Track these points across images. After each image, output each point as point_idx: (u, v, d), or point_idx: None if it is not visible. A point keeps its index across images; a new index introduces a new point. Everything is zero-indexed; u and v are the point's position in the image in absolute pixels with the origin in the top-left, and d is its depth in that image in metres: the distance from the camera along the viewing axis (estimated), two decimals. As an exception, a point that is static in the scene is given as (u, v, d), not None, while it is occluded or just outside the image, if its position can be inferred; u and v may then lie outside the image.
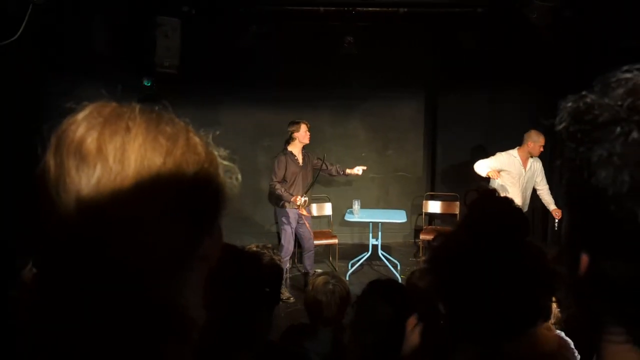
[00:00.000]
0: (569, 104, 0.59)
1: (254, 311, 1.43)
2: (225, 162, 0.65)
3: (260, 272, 1.53)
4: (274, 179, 5.72)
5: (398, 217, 6.61)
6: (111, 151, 0.54)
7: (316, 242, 6.89)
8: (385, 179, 7.80)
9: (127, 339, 0.54)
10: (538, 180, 5.86)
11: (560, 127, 0.58)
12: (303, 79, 7.03)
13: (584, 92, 0.58)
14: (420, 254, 7.07)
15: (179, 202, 0.56)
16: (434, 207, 7.46)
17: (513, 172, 5.81)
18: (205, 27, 6.16)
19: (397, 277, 6.36)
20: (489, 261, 1.05)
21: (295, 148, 5.88)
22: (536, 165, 5.84)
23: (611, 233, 0.54)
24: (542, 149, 5.71)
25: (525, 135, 5.77)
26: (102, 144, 0.54)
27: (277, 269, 1.76)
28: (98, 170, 0.54)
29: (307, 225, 6.00)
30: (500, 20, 6.06)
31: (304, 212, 5.85)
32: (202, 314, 0.62)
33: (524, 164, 5.81)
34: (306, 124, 5.87)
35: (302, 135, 5.83)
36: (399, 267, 6.67)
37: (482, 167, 5.86)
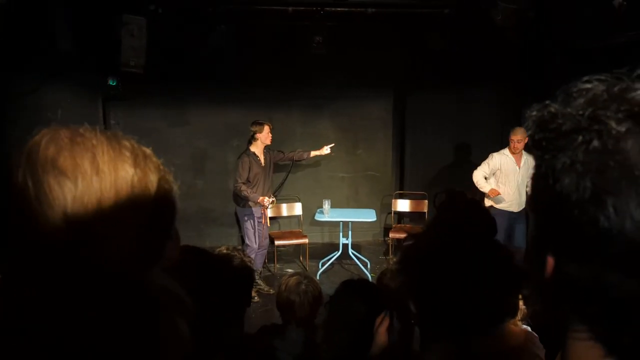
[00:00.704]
0: (534, 113, 0.61)
1: (226, 314, 1.42)
2: (168, 171, 0.71)
3: (231, 274, 1.52)
4: (239, 181, 5.74)
5: (368, 216, 6.66)
6: (87, 166, 0.58)
7: (287, 242, 6.90)
8: (355, 178, 7.84)
9: (119, 319, 0.57)
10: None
11: (527, 134, 0.60)
12: (272, 79, 7.02)
13: (547, 102, 0.60)
14: (390, 253, 7.14)
15: (147, 211, 0.61)
16: (403, 205, 7.55)
17: (506, 170, 5.94)
18: (172, 26, 6.08)
19: (368, 276, 6.41)
20: (457, 260, 1.07)
21: (257, 148, 5.91)
22: (530, 161, 5.87)
23: (574, 237, 0.56)
24: (518, 144, 5.79)
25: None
26: (78, 160, 0.58)
27: (248, 271, 1.76)
28: (80, 184, 0.57)
29: (266, 222, 6.06)
30: (467, 21, 6.16)
31: (267, 213, 5.96)
32: (188, 300, 0.66)
33: (517, 161, 5.91)
34: (269, 125, 5.91)
35: (265, 136, 5.87)
36: (369, 266, 6.72)
37: (478, 178, 6.02)
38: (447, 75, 6.94)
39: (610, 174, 0.53)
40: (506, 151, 5.94)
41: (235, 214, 6.37)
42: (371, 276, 6.37)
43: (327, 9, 6.05)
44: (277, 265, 6.83)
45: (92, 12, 5.46)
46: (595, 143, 0.54)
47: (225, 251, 1.77)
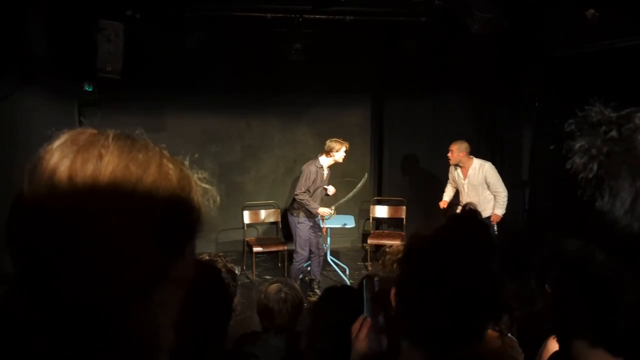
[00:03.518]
0: (582, 113, 0.66)
1: (209, 321, 1.41)
2: (203, 185, 0.66)
3: (215, 281, 1.51)
4: (302, 190, 5.86)
5: (346, 222, 6.68)
6: (81, 179, 0.56)
7: (265, 249, 6.88)
8: (333, 184, 7.85)
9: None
10: (487, 186, 6.01)
11: (570, 128, 0.65)
12: (250, 85, 7.01)
13: (597, 105, 0.65)
14: (368, 259, 7.17)
15: (149, 228, 0.58)
16: (381, 211, 7.59)
17: (454, 180, 6.22)
18: (149, 32, 6.03)
19: (346, 281, 6.43)
20: (449, 275, 1.09)
21: (326, 163, 6.02)
22: (479, 173, 6.00)
23: (571, 213, 0.62)
24: (449, 157, 6.07)
25: None
26: (74, 173, 0.56)
27: (231, 278, 1.75)
28: (69, 198, 0.55)
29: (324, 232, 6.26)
30: (443, 29, 6.25)
31: (324, 224, 6.17)
32: (172, 336, 0.63)
33: (463, 173, 6.07)
34: (347, 146, 6.04)
35: (340, 155, 5.99)
36: (347, 272, 6.73)
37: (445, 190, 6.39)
38: (423, 82, 7.02)
39: (615, 159, 0.58)
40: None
41: (287, 221, 6.41)
42: (350, 282, 6.38)
43: (306, 16, 6.07)
44: (256, 272, 6.79)
45: (67, 17, 5.38)
46: (614, 133, 0.59)
47: (207, 257, 1.76)
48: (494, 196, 5.91)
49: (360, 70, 7.30)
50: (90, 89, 6.11)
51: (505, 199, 5.91)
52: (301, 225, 5.99)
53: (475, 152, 6.21)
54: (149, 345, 0.59)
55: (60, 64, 5.47)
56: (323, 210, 5.92)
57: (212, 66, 6.71)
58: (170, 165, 0.62)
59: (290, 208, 6.22)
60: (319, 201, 6.01)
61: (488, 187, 5.93)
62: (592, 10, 4.51)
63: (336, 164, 6.10)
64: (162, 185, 0.60)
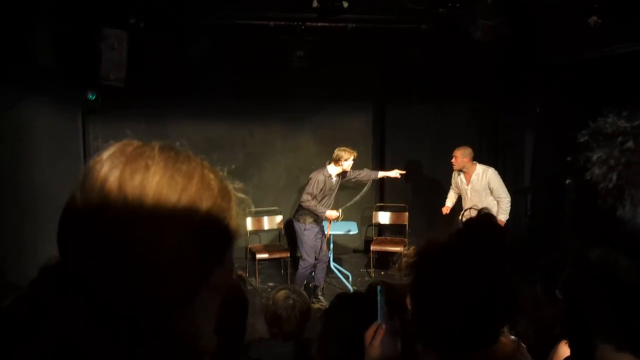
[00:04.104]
0: (594, 124, 0.68)
1: (231, 327, 1.42)
2: (239, 194, 0.70)
3: (235, 288, 1.52)
4: (310, 197, 5.87)
5: (349, 228, 6.68)
6: (130, 189, 0.58)
7: (268, 255, 6.88)
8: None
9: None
10: (490, 192, 6.02)
11: (583, 139, 0.67)
12: (253, 93, 7.03)
13: (610, 115, 0.67)
14: (372, 265, 7.16)
15: (192, 236, 0.60)
16: (384, 218, 7.59)
17: (457, 186, 6.25)
18: (153, 40, 6.06)
19: (349, 288, 6.42)
20: (466, 279, 1.10)
21: (335, 171, 6.03)
22: (483, 178, 6.03)
23: (593, 222, 0.63)
24: (453, 163, 6.09)
25: None
26: (123, 183, 0.58)
27: (243, 282, 1.76)
28: (118, 207, 0.57)
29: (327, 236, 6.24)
30: (445, 36, 6.28)
31: (330, 227, 6.18)
32: (213, 341, 0.65)
33: (467, 179, 6.09)
34: (355, 155, 6.07)
35: (349, 164, 6.01)
36: (350, 279, 6.73)
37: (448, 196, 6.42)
38: (425, 89, 7.04)
39: (634, 169, 0.60)
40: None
41: (293, 228, 6.41)
42: (353, 289, 6.38)
43: (308, 24, 6.10)
44: (259, 279, 6.79)
45: (71, 26, 5.41)
46: (630, 144, 0.61)
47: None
48: (497, 202, 5.91)
49: (362, 77, 7.33)
50: (94, 97, 6.13)
51: (509, 204, 5.91)
52: (307, 232, 6.00)
53: (478, 158, 6.22)
54: (192, 349, 0.61)
55: (64, 72, 5.49)
56: (330, 213, 5.94)
57: (214, 74, 6.73)
58: (212, 176, 0.65)
59: (296, 215, 6.23)
60: (326, 207, 6.02)
61: (491, 192, 5.94)
62: (594, 17, 4.53)
63: (344, 172, 6.10)
64: (205, 195, 0.62)
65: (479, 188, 5.97)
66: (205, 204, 0.62)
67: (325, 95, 7.30)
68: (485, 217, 1.16)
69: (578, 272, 0.68)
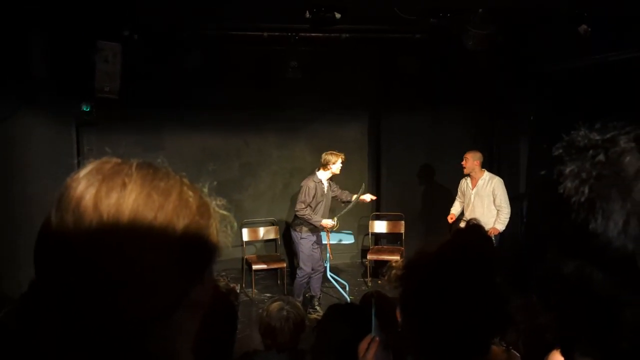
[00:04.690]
0: (568, 137, 0.68)
1: (215, 339, 1.41)
2: (221, 211, 0.68)
3: (219, 299, 1.51)
4: (303, 206, 5.86)
5: (345, 238, 6.68)
6: (106, 207, 0.58)
7: (264, 266, 6.85)
8: (332, 200, 7.86)
9: None
10: (493, 199, 6.03)
11: (557, 152, 0.67)
12: (248, 103, 7.04)
13: (583, 129, 0.67)
14: (368, 274, 7.15)
15: (169, 254, 0.60)
16: (380, 227, 7.58)
17: (464, 192, 6.25)
18: (147, 51, 6.07)
19: (346, 298, 6.40)
20: (455, 290, 1.10)
21: (324, 176, 6.03)
22: (488, 185, 6.05)
23: (567, 235, 0.64)
24: (463, 166, 6.06)
25: None
26: (99, 201, 0.58)
27: (234, 297, 1.75)
28: (93, 225, 0.57)
29: (329, 247, 6.19)
30: (438, 45, 6.31)
31: (329, 237, 6.11)
32: (190, 358, 0.64)
33: (473, 183, 6.10)
34: (342, 158, 6.04)
35: (337, 167, 6.00)
36: (347, 288, 6.70)
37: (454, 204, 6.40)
38: (420, 98, 7.07)
39: (605, 182, 0.60)
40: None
41: (290, 237, 6.39)
42: (350, 298, 6.36)
43: (302, 34, 6.13)
44: (256, 290, 6.76)
45: (66, 38, 5.42)
46: (601, 157, 0.62)
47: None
48: (497, 211, 5.94)
49: (357, 87, 7.35)
50: (88, 109, 6.14)
51: (508, 216, 5.93)
52: (304, 241, 5.98)
53: (473, 166, 6.24)
54: None
55: (58, 84, 5.50)
56: (326, 222, 5.92)
57: (209, 85, 6.74)
58: (190, 193, 0.64)
59: (292, 224, 6.22)
60: (321, 215, 6.00)
61: (494, 200, 5.96)
62: (584, 26, 4.57)
63: (334, 176, 6.09)
64: (183, 212, 0.62)
65: (483, 194, 6.00)
66: (182, 222, 0.61)
67: (320, 105, 7.32)
68: (474, 228, 1.16)
69: (553, 286, 0.68)
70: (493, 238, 5.84)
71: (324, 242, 6.19)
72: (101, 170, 0.61)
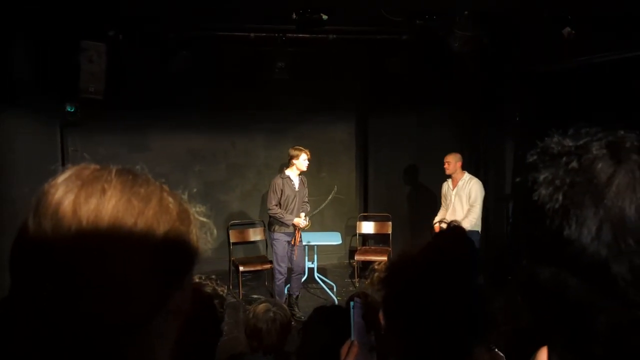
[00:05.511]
0: (542, 144, 0.68)
1: (198, 344, 1.40)
2: (201, 218, 0.68)
3: (206, 305, 1.50)
4: (272, 203, 5.83)
5: (333, 239, 6.67)
6: (85, 213, 0.57)
7: (251, 268, 6.83)
8: (320, 201, 7.86)
9: None
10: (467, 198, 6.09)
11: (531, 159, 0.67)
12: (235, 104, 7.02)
13: (556, 136, 0.67)
14: (356, 275, 7.15)
15: (149, 260, 0.59)
16: (368, 227, 7.59)
17: (445, 195, 6.30)
18: (132, 52, 6.03)
19: (334, 299, 6.40)
20: (437, 292, 1.10)
21: (292, 172, 5.97)
22: (467, 185, 6.09)
23: (542, 242, 0.64)
24: (445, 167, 6.12)
25: None
26: (77, 207, 0.57)
27: (220, 301, 1.74)
28: (72, 231, 0.56)
29: (299, 244, 6.03)
30: (424, 47, 6.34)
31: (299, 235, 5.96)
32: None
33: (453, 184, 6.17)
34: (307, 153, 5.95)
35: (300, 162, 5.92)
36: (335, 289, 6.71)
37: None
38: (407, 99, 7.09)
39: (578, 189, 0.61)
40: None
41: (268, 237, 6.38)
42: (337, 299, 6.36)
43: (289, 35, 6.12)
44: (243, 292, 6.74)
45: (49, 38, 5.37)
46: (574, 164, 0.62)
47: (197, 280, 1.75)
48: (467, 209, 6.01)
49: (344, 88, 7.36)
50: (73, 110, 6.08)
51: (476, 217, 5.99)
52: (276, 242, 5.95)
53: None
54: None
55: (42, 85, 5.44)
56: (298, 220, 5.85)
57: (196, 85, 6.71)
58: (171, 199, 0.64)
59: (268, 224, 6.19)
60: (296, 213, 5.93)
61: (468, 199, 6.02)
62: (568, 28, 4.62)
63: (303, 172, 6.02)
64: (163, 218, 0.62)
65: (462, 194, 6.07)
66: (162, 227, 0.61)
67: (307, 106, 7.32)
68: (455, 230, 1.16)
69: (528, 292, 0.68)
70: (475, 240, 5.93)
71: (304, 242, 6.13)
72: (80, 176, 0.60)
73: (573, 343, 0.63)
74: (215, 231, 0.69)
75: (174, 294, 0.63)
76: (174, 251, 0.62)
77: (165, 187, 0.66)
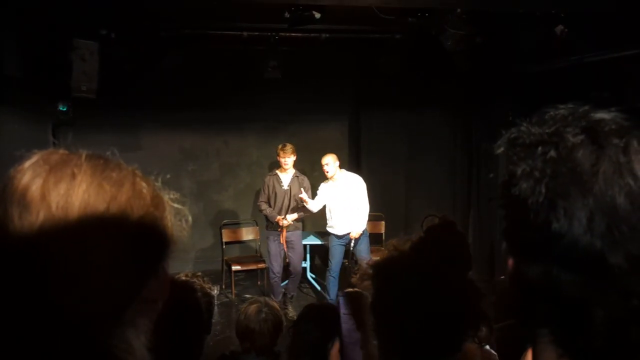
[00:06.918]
0: (509, 133, 0.66)
1: (185, 341, 1.39)
2: (175, 205, 0.66)
3: (191, 301, 1.49)
4: (261, 199, 5.95)
5: (325, 238, 6.65)
6: (54, 198, 0.55)
7: (244, 267, 6.81)
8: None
9: None
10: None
11: (499, 151, 0.65)
12: (227, 103, 7.00)
13: (522, 124, 0.65)
14: (349, 274, 7.14)
15: (123, 246, 0.57)
16: (361, 227, 7.56)
17: (331, 196, 6.09)
18: (125, 51, 6.00)
19: (327, 298, 6.39)
20: (427, 287, 1.10)
21: (283, 171, 5.99)
22: (355, 184, 6.05)
23: (529, 238, 0.61)
24: (324, 167, 5.94)
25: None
26: (46, 192, 0.55)
27: (208, 298, 1.73)
28: (41, 217, 0.54)
29: (286, 245, 5.99)
30: (417, 46, 6.34)
31: (284, 235, 5.93)
32: (146, 356, 0.62)
33: (336, 184, 6.03)
34: (283, 151, 5.89)
35: (282, 160, 5.91)
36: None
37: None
38: (400, 98, 7.10)
39: (562, 180, 0.58)
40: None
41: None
42: (329, 298, 6.35)
43: (282, 34, 6.11)
44: (235, 291, 6.72)
45: (41, 37, 5.33)
46: (552, 153, 0.59)
47: (184, 277, 1.74)
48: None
49: (337, 87, 7.36)
50: (65, 109, 6.05)
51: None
52: (268, 240, 6.02)
53: (453, 165, 6.29)
54: None
55: (33, 84, 5.40)
56: (279, 217, 5.84)
57: (188, 84, 6.69)
58: (144, 184, 0.62)
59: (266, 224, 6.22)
60: (281, 211, 5.92)
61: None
62: (561, 26, 4.63)
63: (291, 169, 6.03)
64: (137, 203, 0.60)
65: (347, 194, 6.06)
66: (136, 213, 0.59)
67: (300, 105, 7.31)
68: (446, 225, 1.16)
69: (517, 293, 0.66)
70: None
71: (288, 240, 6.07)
72: (48, 161, 0.58)
73: (569, 339, 0.61)
74: (190, 218, 0.67)
75: (148, 282, 0.61)
76: (149, 237, 0.61)
77: (138, 172, 0.63)
